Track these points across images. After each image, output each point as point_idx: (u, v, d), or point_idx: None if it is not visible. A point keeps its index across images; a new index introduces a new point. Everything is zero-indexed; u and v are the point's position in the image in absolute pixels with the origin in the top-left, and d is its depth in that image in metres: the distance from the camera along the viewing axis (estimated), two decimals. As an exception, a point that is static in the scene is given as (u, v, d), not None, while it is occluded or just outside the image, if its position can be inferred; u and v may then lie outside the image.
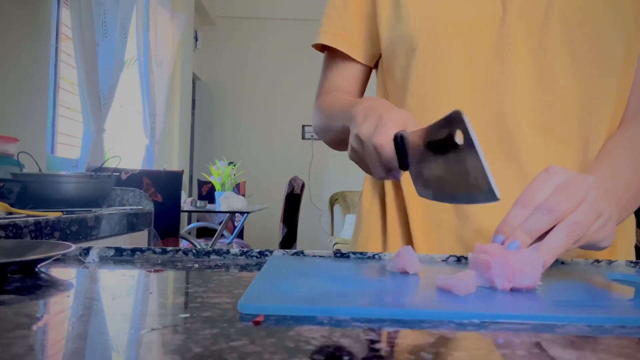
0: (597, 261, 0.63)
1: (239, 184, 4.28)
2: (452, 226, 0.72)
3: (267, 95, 5.58)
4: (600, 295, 0.45)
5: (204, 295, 0.41)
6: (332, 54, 0.86)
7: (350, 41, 0.82)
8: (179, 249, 0.63)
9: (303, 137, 5.61)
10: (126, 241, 1.56)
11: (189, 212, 4.25)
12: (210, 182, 4.17)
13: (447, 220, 0.72)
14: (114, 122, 3.26)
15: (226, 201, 3.37)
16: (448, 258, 0.62)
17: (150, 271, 0.53)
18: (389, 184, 0.79)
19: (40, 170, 1.68)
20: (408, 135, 0.53)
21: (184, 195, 3.13)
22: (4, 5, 2.12)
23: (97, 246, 0.61)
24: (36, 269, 0.50)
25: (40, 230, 1.09)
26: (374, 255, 0.63)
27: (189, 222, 4.63)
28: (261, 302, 0.36)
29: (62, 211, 1.25)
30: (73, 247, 0.54)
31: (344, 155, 0.67)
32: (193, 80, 5.09)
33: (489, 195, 0.44)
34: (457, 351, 0.29)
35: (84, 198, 1.50)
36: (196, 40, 5.24)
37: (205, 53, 5.48)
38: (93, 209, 1.46)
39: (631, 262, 0.64)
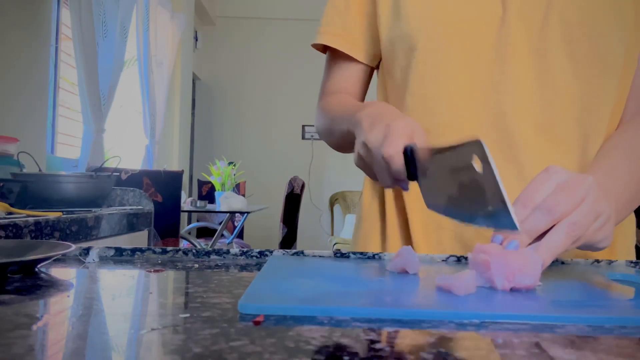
0: (597, 261, 0.63)
1: (239, 184, 4.28)
2: (451, 226, 0.72)
3: (267, 95, 5.58)
4: (600, 295, 0.45)
5: (204, 295, 0.41)
6: (333, 55, 0.86)
7: (350, 41, 0.82)
8: (179, 249, 0.63)
9: (303, 137, 5.61)
10: (126, 241, 1.56)
11: (189, 212, 4.25)
12: (210, 182, 4.17)
13: (446, 220, 0.72)
14: (114, 122, 3.26)
15: (226, 201, 3.37)
16: (448, 258, 0.62)
17: (150, 271, 0.53)
18: (389, 184, 0.79)
19: (40, 170, 1.68)
20: (418, 148, 0.54)
21: (184, 195, 3.13)
22: (4, 5, 2.12)
23: (97, 246, 0.61)
24: (36, 269, 0.50)
25: (40, 230, 1.09)
26: (374, 255, 0.63)
27: (189, 222, 4.63)
28: (261, 302, 0.36)
29: (62, 211, 1.25)
30: (73, 247, 0.54)
31: (344, 155, 0.67)
32: (193, 80, 5.09)
33: (508, 225, 0.44)
34: (457, 351, 0.29)
35: (84, 198, 1.50)
36: (196, 40, 5.24)
37: (205, 53, 5.48)
38: (93, 209, 1.46)
39: (631, 262, 0.64)
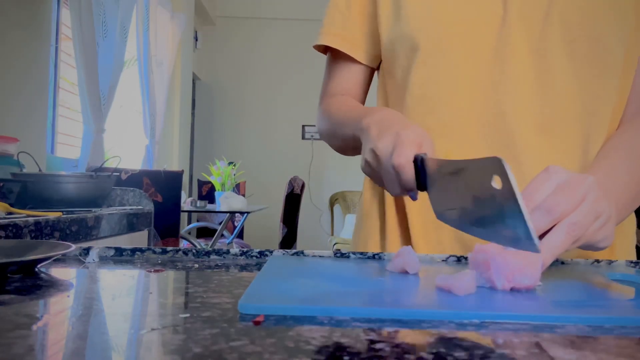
0: (597, 261, 0.63)
1: (239, 184, 4.28)
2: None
3: (267, 95, 5.58)
4: (600, 295, 0.45)
5: (204, 295, 0.41)
6: (334, 56, 0.86)
7: (351, 42, 0.82)
8: (179, 249, 0.63)
9: (303, 137, 5.61)
10: (126, 241, 1.56)
11: (189, 212, 4.25)
12: (210, 182, 4.17)
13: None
14: (114, 122, 3.26)
15: (226, 201, 3.37)
16: (448, 258, 0.62)
17: (150, 271, 0.53)
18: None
19: (40, 170, 1.68)
20: (428, 158, 0.53)
21: (184, 195, 3.13)
22: (4, 5, 2.12)
23: (97, 246, 0.61)
24: (36, 269, 0.50)
25: (40, 230, 1.09)
26: (374, 255, 0.63)
27: (189, 222, 4.63)
28: (261, 302, 0.36)
29: (62, 211, 1.25)
30: (73, 247, 0.54)
31: (344, 155, 0.67)
32: (193, 80, 5.09)
33: (528, 246, 0.43)
34: (457, 351, 0.29)
35: (84, 198, 1.50)
36: (196, 40, 5.24)
37: (205, 53, 5.48)
38: (93, 209, 1.46)
39: (631, 262, 0.64)
